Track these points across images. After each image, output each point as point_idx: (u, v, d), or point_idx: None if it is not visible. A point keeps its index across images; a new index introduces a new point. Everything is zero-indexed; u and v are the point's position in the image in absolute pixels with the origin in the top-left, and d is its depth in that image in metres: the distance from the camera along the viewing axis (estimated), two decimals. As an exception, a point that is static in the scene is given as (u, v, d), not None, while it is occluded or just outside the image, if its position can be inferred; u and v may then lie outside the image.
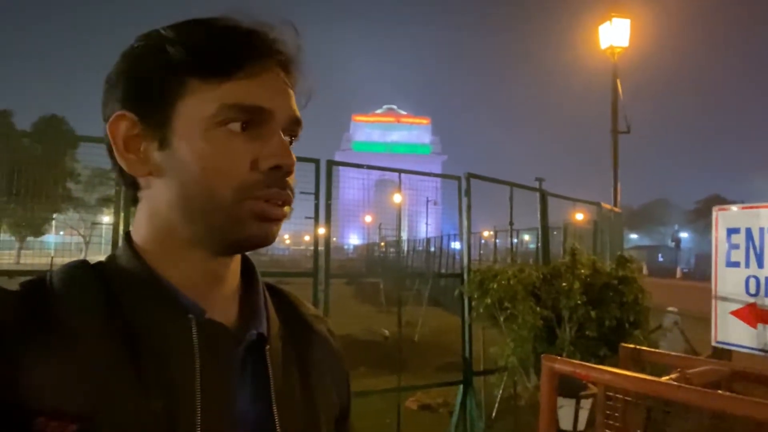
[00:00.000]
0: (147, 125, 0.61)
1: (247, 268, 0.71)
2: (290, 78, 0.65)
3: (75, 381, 0.52)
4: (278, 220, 0.62)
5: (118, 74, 0.63)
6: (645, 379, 1.60)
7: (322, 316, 0.80)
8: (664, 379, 1.62)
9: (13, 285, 0.60)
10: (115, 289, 0.60)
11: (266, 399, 0.62)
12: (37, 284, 0.59)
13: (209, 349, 0.59)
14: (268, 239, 0.62)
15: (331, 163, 4.08)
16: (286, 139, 0.64)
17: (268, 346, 0.64)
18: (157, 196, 0.62)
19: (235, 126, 0.59)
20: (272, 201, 0.60)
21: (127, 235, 0.65)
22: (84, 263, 0.63)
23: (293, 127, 0.65)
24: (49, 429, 0.50)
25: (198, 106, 0.59)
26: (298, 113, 0.65)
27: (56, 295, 0.58)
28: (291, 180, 0.63)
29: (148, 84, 0.60)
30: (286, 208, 0.63)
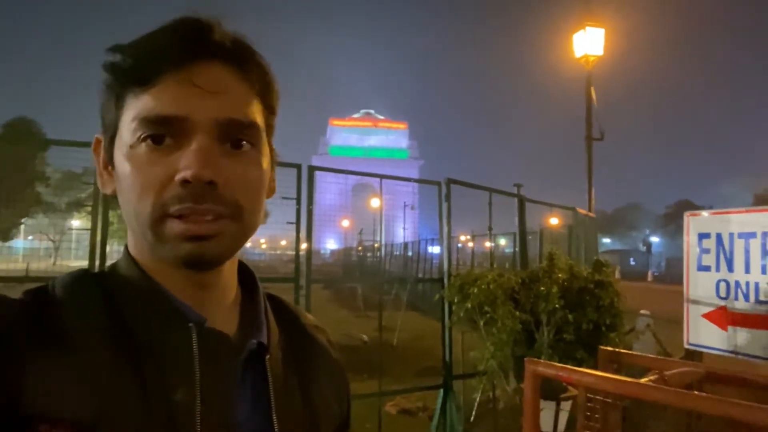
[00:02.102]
0: (108, 146, 0.62)
1: (247, 278, 0.71)
2: (229, 74, 0.60)
3: (77, 389, 0.52)
4: (204, 237, 0.57)
5: None
6: (625, 381, 1.64)
7: (322, 327, 0.80)
8: (643, 380, 1.67)
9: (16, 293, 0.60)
10: (116, 298, 0.60)
11: (266, 408, 0.62)
12: (40, 292, 0.59)
13: (209, 358, 0.59)
14: (201, 258, 0.57)
15: (313, 169, 4.07)
16: (242, 146, 0.59)
17: (268, 356, 0.64)
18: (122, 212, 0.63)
19: (156, 139, 0.57)
20: (188, 218, 0.56)
21: (126, 245, 0.66)
22: (86, 272, 0.63)
23: (229, 129, 0.58)
24: None
25: (126, 124, 0.59)
26: (234, 114, 0.58)
27: (59, 303, 0.58)
28: (230, 186, 0.57)
29: (102, 108, 0.62)
30: (219, 223, 0.57)
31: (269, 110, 0.66)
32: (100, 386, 0.53)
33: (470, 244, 13.23)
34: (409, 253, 19.10)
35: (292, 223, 4.00)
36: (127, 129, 0.58)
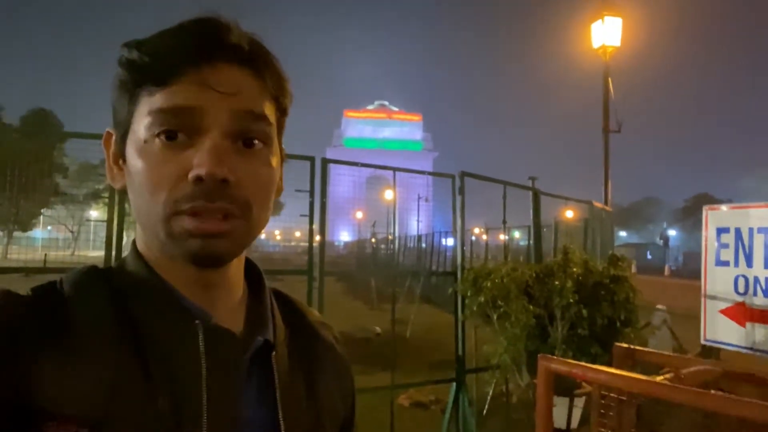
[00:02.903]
0: (119, 141, 0.63)
1: (254, 275, 0.71)
2: (245, 75, 0.60)
3: (85, 386, 0.52)
4: (214, 235, 0.57)
5: None
6: (640, 380, 1.62)
7: (328, 324, 0.81)
8: (658, 379, 1.65)
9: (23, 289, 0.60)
10: (124, 295, 0.60)
11: (272, 405, 0.62)
12: (48, 289, 0.60)
13: (216, 355, 0.59)
14: (210, 256, 0.58)
15: (326, 161, 4.08)
16: (254, 145, 0.60)
17: (274, 353, 0.64)
18: (132, 207, 0.63)
19: (169, 135, 0.57)
20: (200, 215, 0.56)
21: (134, 241, 0.66)
22: (94, 268, 0.63)
23: (246, 124, 0.59)
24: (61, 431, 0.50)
25: (140, 119, 0.59)
26: (249, 107, 0.59)
27: (67, 300, 0.58)
28: (242, 184, 0.58)
29: (114, 103, 0.63)
30: (230, 221, 0.58)
31: (281, 111, 0.66)
32: (106, 383, 0.53)
33: (484, 237, 13.16)
34: (423, 245, 19.08)
35: (305, 215, 4.01)
36: (141, 124, 0.59)
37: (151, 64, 0.58)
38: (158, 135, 0.58)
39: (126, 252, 0.67)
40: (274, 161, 0.63)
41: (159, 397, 0.55)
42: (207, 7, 0.60)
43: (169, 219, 0.57)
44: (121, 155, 0.63)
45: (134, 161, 0.60)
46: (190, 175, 0.56)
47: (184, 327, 0.59)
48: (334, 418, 0.71)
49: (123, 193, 0.65)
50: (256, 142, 0.60)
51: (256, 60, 0.62)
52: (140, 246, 0.65)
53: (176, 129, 0.57)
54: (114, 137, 0.64)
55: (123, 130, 0.62)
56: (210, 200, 0.56)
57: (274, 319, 0.69)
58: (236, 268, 0.67)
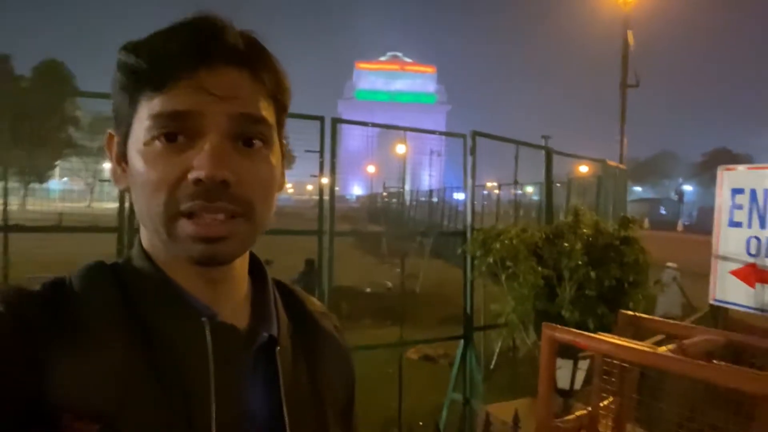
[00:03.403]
0: (121, 143, 0.63)
1: (257, 270, 0.73)
2: (242, 77, 0.60)
3: (97, 381, 0.54)
4: (216, 239, 0.58)
5: None
6: (642, 351, 1.64)
7: (328, 313, 0.82)
8: (661, 349, 1.67)
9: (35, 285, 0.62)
10: (131, 291, 0.62)
11: (276, 398, 0.64)
12: (58, 285, 0.61)
13: (222, 351, 0.61)
14: (213, 260, 0.59)
15: (336, 121, 4.03)
16: (254, 145, 0.60)
17: (278, 348, 0.66)
18: (134, 207, 0.64)
19: (169, 137, 0.58)
20: (200, 216, 0.57)
21: (139, 238, 0.67)
22: (102, 264, 0.65)
23: (245, 126, 0.60)
24: (75, 426, 0.52)
25: (141, 123, 0.59)
26: (247, 110, 0.60)
27: (76, 296, 0.60)
28: (243, 184, 0.58)
29: (115, 107, 0.63)
30: (232, 222, 0.58)
31: (281, 108, 0.66)
32: (119, 378, 0.55)
33: (496, 192, 13.09)
34: (434, 200, 19.07)
35: (315, 176, 4.01)
36: (141, 127, 0.59)
37: (149, 70, 0.58)
38: (158, 137, 0.58)
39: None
40: (274, 159, 0.64)
41: (169, 391, 0.57)
42: (203, 5, 0.60)
43: (170, 220, 0.58)
44: (123, 157, 0.64)
45: (135, 163, 0.60)
46: (190, 177, 0.57)
47: (191, 324, 0.61)
48: (336, 404, 0.74)
49: (126, 193, 0.66)
50: (256, 141, 0.61)
51: (253, 60, 0.62)
52: (145, 243, 0.66)
53: (176, 131, 0.58)
54: (116, 139, 0.65)
55: (124, 132, 0.63)
56: (210, 200, 0.57)
57: (278, 313, 0.71)
58: (241, 264, 0.68)
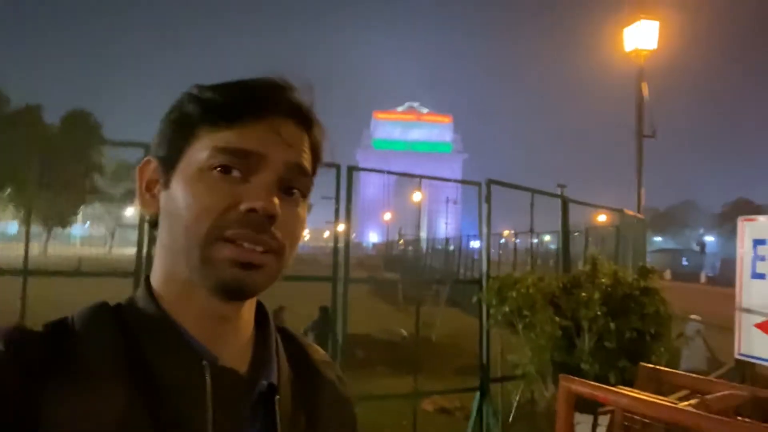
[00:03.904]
0: (163, 169, 0.66)
1: (261, 316, 0.73)
2: (299, 132, 0.66)
3: (95, 422, 0.54)
4: (253, 266, 0.60)
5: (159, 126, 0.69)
6: (664, 405, 1.58)
7: (331, 362, 0.81)
8: (682, 404, 1.60)
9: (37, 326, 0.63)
10: (133, 333, 0.62)
11: None
12: (60, 325, 0.62)
13: (221, 396, 0.60)
14: (244, 286, 0.61)
15: (352, 169, 4.10)
16: (293, 194, 0.64)
17: (277, 397, 0.65)
18: (161, 234, 0.66)
19: (225, 169, 0.61)
20: (243, 243, 0.59)
21: (147, 278, 0.68)
22: (104, 305, 0.65)
23: (293, 176, 0.64)
24: None
25: (198, 152, 0.62)
26: (300, 162, 0.64)
27: (78, 337, 0.60)
28: (280, 227, 0.61)
29: (169, 134, 0.66)
30: (267, 256, 0.61)
31: (314, 170, 0.70)
32: (116, 420, 0.55)
33: (513, 240, 13.03)
34: (451, 248, 19.01)
35: (330, 222, 4.04)
36: (198, 155, 0.62)
37: (223, 104, 0.63)
38: (215, 167, 0.61)
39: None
40: (304, 213, 0.68)
41: None
42: (272, 69, 0.67)
43: (209, 244, 0.60)
44: (159, 182, 0.66)
45: (183, 187, 0.63)
46: (245, 206, 0.60)
47: (192, 367, 0.61)
48: None
49: (150, 223, 0.69)
50: (296, 191, 0.65)
51: (308, 121, 0.68)
52: (156, 280, 0.66)
53: (233, 166, 0.62)
54: (153, 165, 0.67)
55: (172, 159, 0.65)
56: (257, 231, 0.60)
57: (279, 361, 0.70)
58: (249, 305, 0.68)
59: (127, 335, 0.62)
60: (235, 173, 0.61)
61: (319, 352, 0.81)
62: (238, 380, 0.64)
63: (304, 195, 0.67)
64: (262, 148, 0.62)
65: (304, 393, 0.71)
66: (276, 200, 0.61)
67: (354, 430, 0.79)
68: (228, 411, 0.61)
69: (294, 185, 0.64)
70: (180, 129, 0.65)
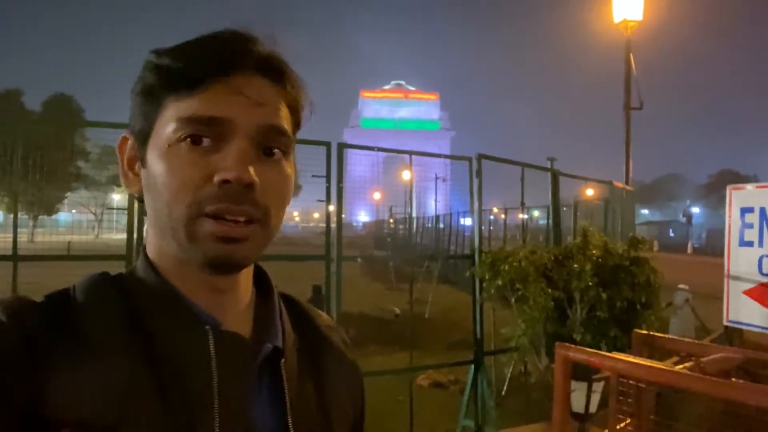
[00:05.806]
0: (139, 145, 0.63)
1: (262, 281, 0.72)
2: (270, 87, 0.62)
3: (99, 393, 0.53)
4: (237, 239, 0.58)
5: None
6: (659, 369, 1.60)
7: (336, 327, 0.80)
8: (678, 367, 1.63)
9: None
10: (135, 302, 0.61)
11: (281, 412, 0.63)
12: (61, 296, 0.61)
13: (226, 361, 0.60)
14: (229, 261, 0.59)
15: (342, 146, 4.06)
16: (274, 154, 0.61)
17: (283, 360, 0.65)
18: (148, 211, 0.64)
19: (195, 139, 0.58)
20: (224, 217, 0.58)
21: (144, 248, 0.67)
22: (105, 275, 0.64)
23: (269, 136, 0.61)
24: None
25: (165, 124, 0.60)
26: (274, 121, 0.61)
27: (79, 307, 0.59)
28: (263, 191, 0.59)
29: (136, 108, 0.63)
30: (251, 226, 0.59)
31: (297, 125, 0.67)
32: (120, 390, 0.54)
33: (502, 216, 13.08)
34: (441, 225, 19.05)
35: (321, 201, 4.02)
36: (166, 128, 0.59)
37: (183, 70, 0.59)
38: (184, 139, 0.59)
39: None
40: (290, 169, 0.65)
41: (172, 403, 0.56)
42: (235, 19, 0.62)
43: (192, 221, 0.58)
44: (138, 160, 0.64)
45: (157, 164, 0.60)
46: (217, 178, 0.57)
47: (194, 333, 0.60)
48: (344, 420, 0.72)
49: (138, 200, 0.66)
50: (276, 151, 0.62)
51: (278, 72, 0.63)
52: (151, 252, 0.65)
53: (202, 134, 0.59)
54: (131, 142, 0.65)
55: (144, 134, 0.62)
56: (235, 203, 0.57)
57: (283, 325, 0.69)
58: (246, 274, 0.67)
59: (128, 304, 0.61)
60: (206, 142, 0.58)
61: (323, 317, 0.80)
62: (242, 344, 0.63)
63: (285, 153, 0.63)
64: (229, 113, 0.58)
65: (310, 358, 0.71)
66: (251, 168, 0.58)
67: (362, 394, 0.79)
68: (233, 375, 0.60)
69: (272, 145, 0.61)
70: (145, 102, 0.62)
